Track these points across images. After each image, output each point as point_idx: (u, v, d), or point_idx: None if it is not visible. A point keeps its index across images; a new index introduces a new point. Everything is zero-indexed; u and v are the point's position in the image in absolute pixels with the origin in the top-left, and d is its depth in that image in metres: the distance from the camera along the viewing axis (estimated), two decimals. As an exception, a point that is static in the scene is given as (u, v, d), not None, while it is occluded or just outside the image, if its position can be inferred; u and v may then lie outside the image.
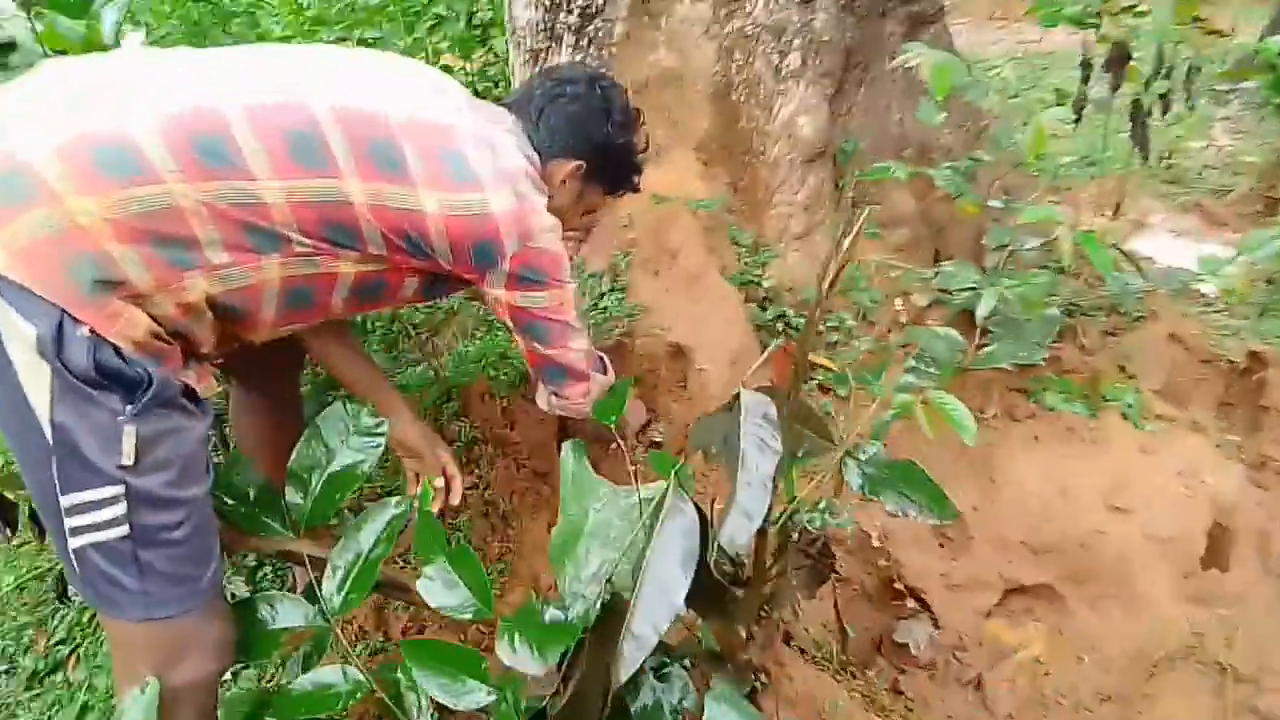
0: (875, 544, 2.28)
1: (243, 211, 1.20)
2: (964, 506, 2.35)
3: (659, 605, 1.06)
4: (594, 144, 1.60)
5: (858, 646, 2.17)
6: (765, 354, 2.48)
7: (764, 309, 2.59)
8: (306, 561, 1.52)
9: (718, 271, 2.52)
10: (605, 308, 2.54)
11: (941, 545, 2.32)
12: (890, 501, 1.43)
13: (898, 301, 2.67)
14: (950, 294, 2.61)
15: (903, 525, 2.35)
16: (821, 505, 1.59)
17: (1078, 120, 2.90)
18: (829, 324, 2.56)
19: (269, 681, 2.00)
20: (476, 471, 2.38)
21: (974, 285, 2.37)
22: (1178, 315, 2.97)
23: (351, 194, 1.28)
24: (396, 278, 1.45)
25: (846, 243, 1.20)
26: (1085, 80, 2.79)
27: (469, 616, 1.33)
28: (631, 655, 1.04)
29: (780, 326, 2.54)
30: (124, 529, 1.15)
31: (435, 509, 1.76)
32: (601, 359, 1.82)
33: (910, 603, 2.24)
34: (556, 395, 1.75)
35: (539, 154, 1.56)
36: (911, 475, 1.48)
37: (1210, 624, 2.13)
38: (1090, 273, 2.96)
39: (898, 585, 2.24)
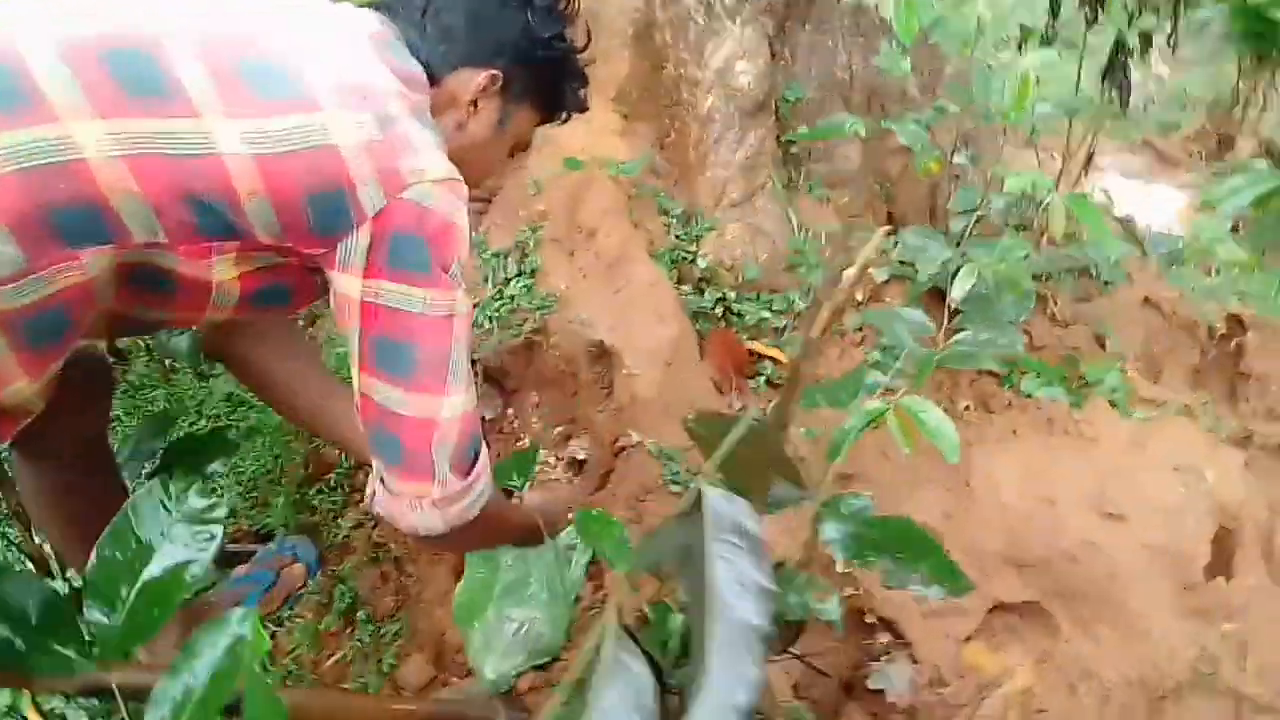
0: (840, 568, 1.96)
1: None
2: (935, 515, 2.05)
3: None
4: (510, 42, 1.14)
5: (824, 693, 1.86)
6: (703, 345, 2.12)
7: (700, 291, 2.21)
8: (119, 697, 1.11)
9: (645, 250, 2.13)
10: (511, 297, 2.13)
11: (913, 564, 2.01)
12: (884, 572, 1.10)
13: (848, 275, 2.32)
14: (912, 267, 2.27)
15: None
16: (799, 580, 1.23)
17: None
18: (774, 307, 2.20)
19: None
20: (359, 503, 1.99)
21: (943, 259, 2.03)
22: (1151, 277, 2.70)
23: (82, 144, 0.85)
24: (194, 284, 1.01)
25: (851, 272, 0.85)
26: (1054, 14, 2.44)
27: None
28: None
29: (720, 312, 2.17)
30: None
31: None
32: (477, 451, 1.11)
33: (883, 637, 1.93)
34: (383, 483, 1.09)
35: (428, 66, 1.10)
36: (910, 538, 1.16)
37: (1218, 643, 1.88)
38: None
39: (869, 618, 1.92)
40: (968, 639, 1.97)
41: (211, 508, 1.14)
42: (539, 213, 2.24)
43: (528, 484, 1.62)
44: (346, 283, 0.99)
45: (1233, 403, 2.62)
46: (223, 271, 1.01)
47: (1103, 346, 2.46)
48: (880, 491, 2.04)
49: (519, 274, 2.18)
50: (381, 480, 1.09)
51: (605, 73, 2.33)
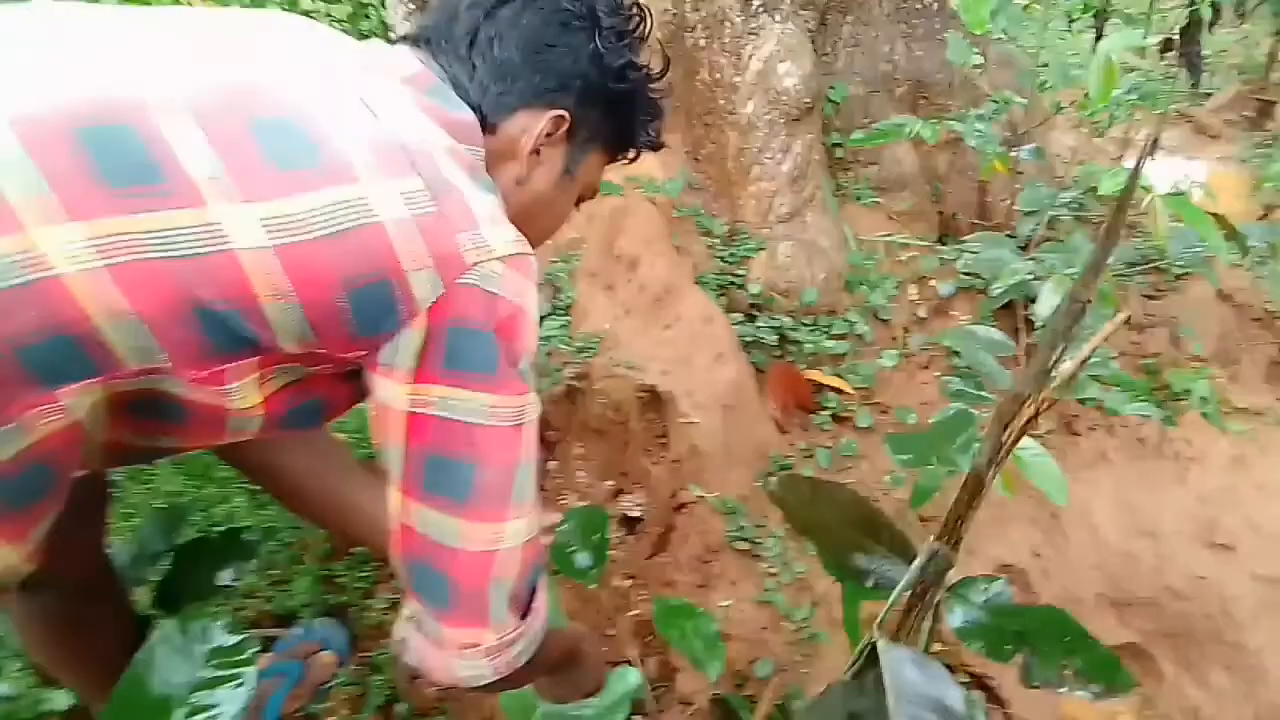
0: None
1: None
2: (1023, 554, 1.88)
3: None
4: (577, 76, 0.94)
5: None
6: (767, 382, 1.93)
7: (751, 319, 2.02)
8: None
9: (692, 279, 1.94)
10: (547, 338, 1.94)
11: (1004, 610, 1.84)
12: (1024, 667, 0.94)
13: (911, 290, 2.14)
14: (979, 276, 2.09)
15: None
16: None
17: (1099, 37, 2.36)
18: (834, 331, 2.02)
19: None
20: (393, 579, 1.81)
21: (1020, 273, 1.84)
22: (1221, 266, 2.51)
23: (53, 256, 0.67)
24: (209, 412, 0.83)
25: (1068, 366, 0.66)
26: (1113, -11, 2.23)
27: None
28: None
29: (775, 341, 1.98)
30: None
31: None
32: (535, 583, 0.93)
33: (975, 693, 1.77)
34: (420, 628, 0.90)
35: (480, 110, 0.90)
36: (1058, 629, 0.99)
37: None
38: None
39: (960, 675, 1.76)
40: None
41: (240, 646, 0.96)
42: (571, 241, 2.05)
43: (604, 562, 1.44)
44: (389, 390, 0.79)
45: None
46: (243, 398, 0.81)
47: (1176, 347, 2.29)
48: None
49: (554, 311, 1.99)
50: (418, 624, 0.90)
51: (633, 81, 2.13)
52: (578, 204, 1.09)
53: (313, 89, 0.78)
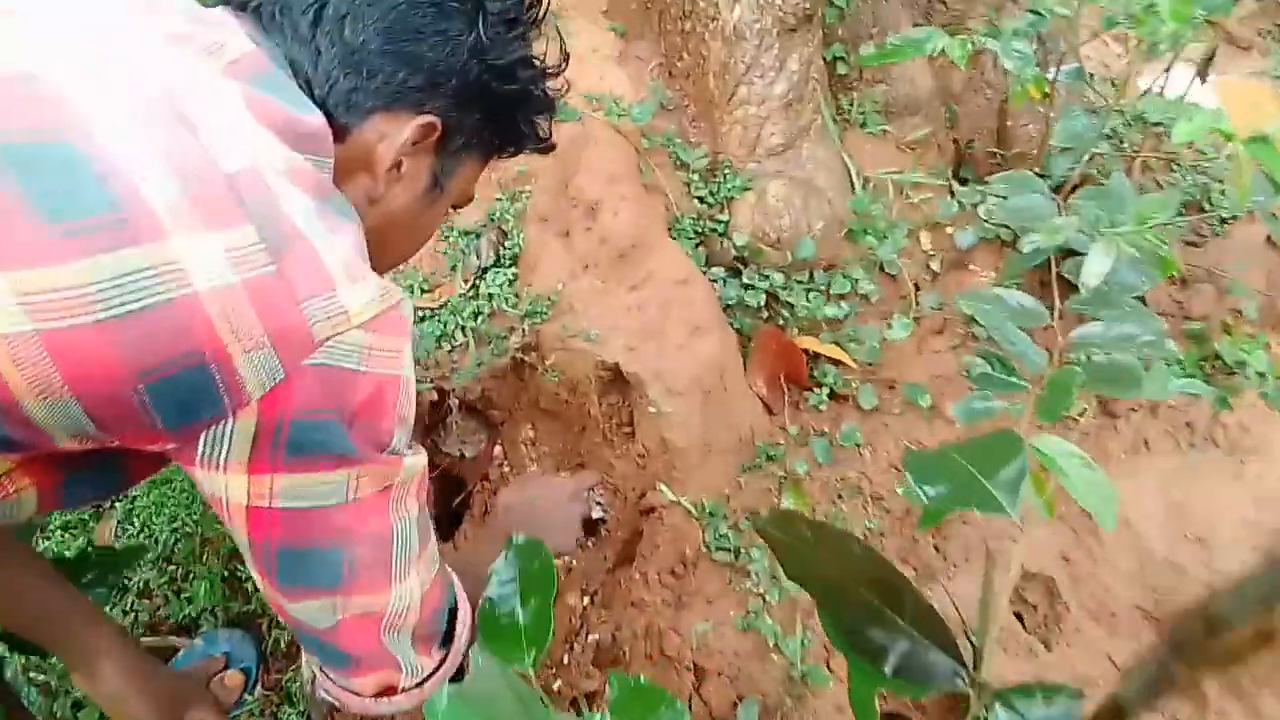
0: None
1: None
2: (1049, 558, 1.61)
3: None
4: (453, 72, 0.73)
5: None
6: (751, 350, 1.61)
7: (736, 274, 1.68)
8: None
9: (665, 228, 1.59)
10: (489, 296, 1.59)
11: (1024, 623, 1.57)
12: None
13: (924, 238, 1.80)
14: (1006, 227, 1.76)
15: (969, 595, 1.59)
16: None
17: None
18: (833, 290, 1.68)
19: None
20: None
21: (1060, 230, 1.51)
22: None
23: None
24: None
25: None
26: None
27: None
28: None
29: (763, 301, 1.65)
30: None
31: None
32: (451, 613, 0.84)
33: None
34: (332, 680, 0.81)
35: (326, 108, 0.69)
36: None
37: None
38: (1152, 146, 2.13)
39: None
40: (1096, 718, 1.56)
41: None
42: (516, 176, 1.68)
43: (545, 638, 1.14)
44: (216, 482, 0.63)
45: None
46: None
47: (1238, 314, 1.98)
48: (979, 531, 1.60)
49: (497, 262, 1.64)
50: (327, 675, 0.80)
51: (595, -24, 1.73)
52: (448, 214, 0.93)
53: (98, 85, 0.57)
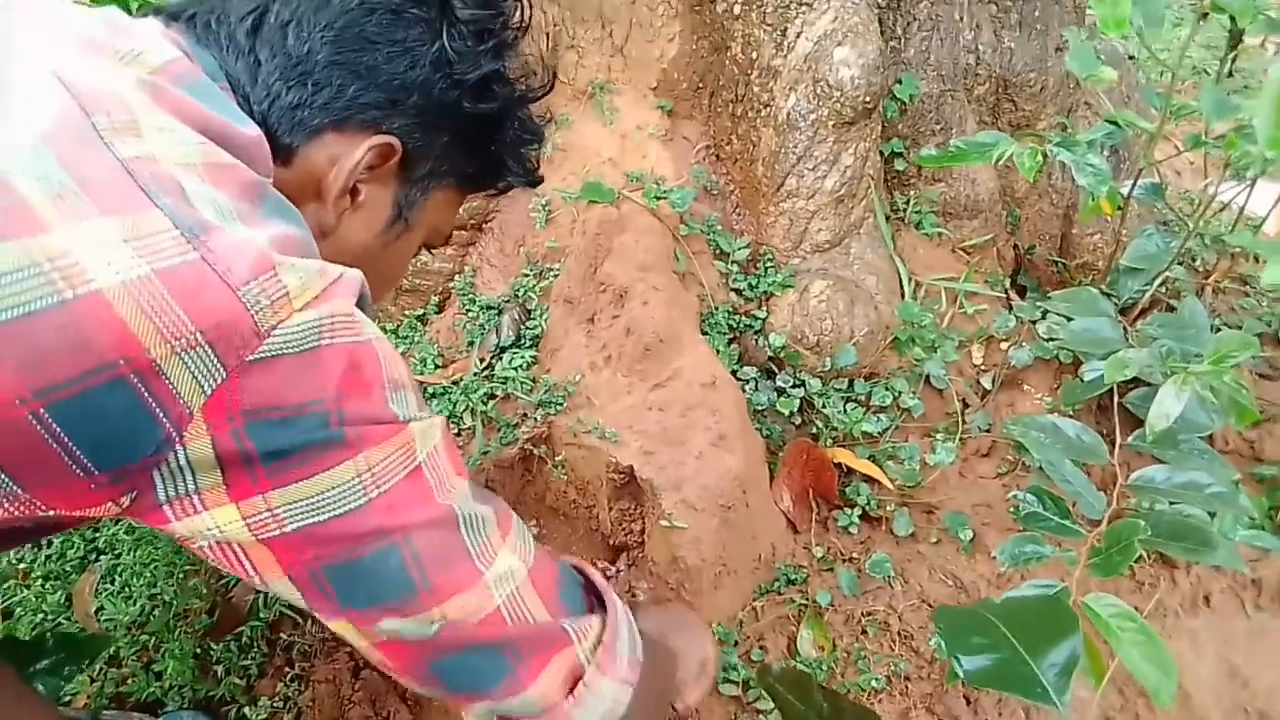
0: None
1: None
2: (1090, 719, 1.44)
3: None
4: (415, 85, 0.68)
5: None
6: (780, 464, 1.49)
7: (769, 375, 1.57)
8: None
9: (697, 325, 1.49)
10: (504, 379, 1.49)
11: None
12: None
13: (976, 352, 1.68)
14: (1066, 347, 1.63)
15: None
16: None
17: (1235, 44, 1.87)
18: (873, 401, 1.56)
19: None
20: (284, 671, 1.41)
21: (1129, 363, 1.39)
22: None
23: None
24: None
25: None
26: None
27: None
28: None
29: (796, 408, 1.53)
30: None
31: None
32: (580, 576, 0.81)
33: None
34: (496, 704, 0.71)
35: (267, 125, 0.63)
36: None
37: None
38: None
39: None
40: None
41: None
42: (546, 252, 1.60)
43: None
44: (207, 527, 0.55)
45: None
46: None
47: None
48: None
49: (516, 342, 1.54)
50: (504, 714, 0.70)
51: (646, 53, 1.65)
52: (417, 253, 0.83)
53: None
